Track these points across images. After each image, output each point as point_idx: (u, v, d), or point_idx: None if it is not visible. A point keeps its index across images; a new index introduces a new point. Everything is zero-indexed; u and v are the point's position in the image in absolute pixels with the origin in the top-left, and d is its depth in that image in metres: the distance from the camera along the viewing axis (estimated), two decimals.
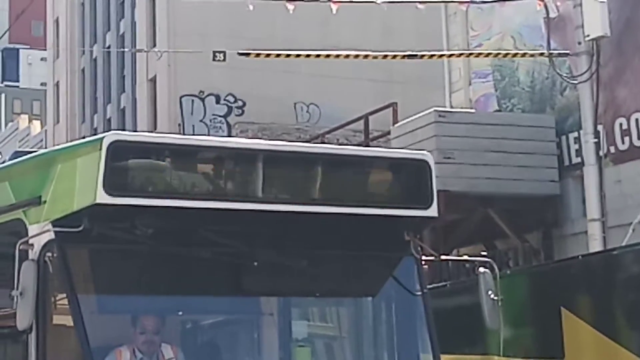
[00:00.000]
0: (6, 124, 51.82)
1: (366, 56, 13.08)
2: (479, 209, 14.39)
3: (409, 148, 12.86)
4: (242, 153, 5.81)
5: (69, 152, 5.93)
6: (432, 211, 6.15)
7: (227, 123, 28.24)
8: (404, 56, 12.94)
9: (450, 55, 15.30)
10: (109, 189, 5.46)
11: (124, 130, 28.52)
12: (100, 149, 5.48)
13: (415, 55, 12.86)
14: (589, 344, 8.09)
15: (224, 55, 13.83)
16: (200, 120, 28.09)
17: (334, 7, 12.10)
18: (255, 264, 5.97)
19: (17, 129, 42.82)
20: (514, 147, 14.18)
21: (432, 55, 13.68)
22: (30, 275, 5.49)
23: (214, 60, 14.12)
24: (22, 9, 35.38)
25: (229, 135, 26.23)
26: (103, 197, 5.44)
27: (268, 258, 5.96)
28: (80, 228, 5.53)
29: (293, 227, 5.90)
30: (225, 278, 6.05)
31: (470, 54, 15.01)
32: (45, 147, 33.53)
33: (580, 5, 12.47)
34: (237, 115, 28.31)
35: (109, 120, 32.98)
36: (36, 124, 41.69)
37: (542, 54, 13.45)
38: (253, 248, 5.89)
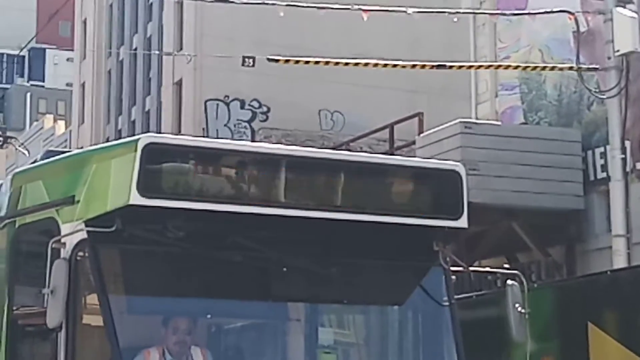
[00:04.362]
0: (31, 124, 52.12)
1: (395, 65, 13.07)
2: (502, 221, 14.35)
3: (434, 158, 12.82)
4: (278, 159, 5.83)
5: (103, 152, 5.98)
6: (463, 222, 6.16)
7: (251, 128, 28.29)
8: (432, 66, 12.92)
9: (480, 67, 15.27)
10: (143, 191, 5.50)
11: (148, 132, 28.56)
12: (136, 151, 5.53)
13: (444, 65, 12.83)
14: None
15: (254, 61, 13.87)
16: (225, 125, 28.16)
17: (364, 15, 12.11)
18: (285, 269, 6.00)
19: (41, 128, 43.06)
20: (540, 160, 14.14)
21: (461, 66, 13.66)
22: (62, 274, 5.54)
23: (243, 65, 14.16)
24: (50, 9, 35.59)
25: (253, 141, 26.28)
26: (137, 199, 5.49)
27: (297, 264, 5.98)
28: (113, 228, 5.57)
29: (323, 234, 5.93)
30: (253, 283, 6.07)
31: (499, 66, 14.98)
32: (70, 148, 33.71)
33: (611, 20, 12.43)
34: (261, 121, 28.36)
35: (134, 122, 33.12)
36: (61, 124, 41.88)
37: (571, 68, 13.41)
38: (283, 254, 5.92)
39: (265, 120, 28.36)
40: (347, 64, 12.84)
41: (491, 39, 16.68)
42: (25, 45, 47.21)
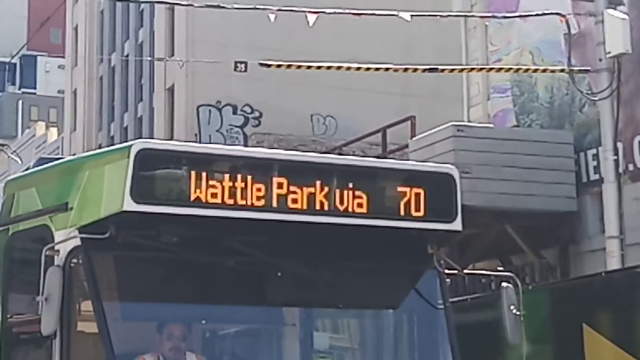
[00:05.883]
0: (23, 131, 52.06)
1: (387, 69, 13.08)
2: (495, 224, 14.36)
3: (427, 162, 12.86)
4: (271, 163, 5.83)
5: (96, 159, 5.97)
6: (457, 225, 6.17)
7: (244, 134, 28.30)
8: (424, 70, 12.92)
9: (471, 70, 15.28)
10: (136, 197, 5.49)
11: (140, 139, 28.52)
12: (128, 157, 5.52)
13: (436, 69, 12.83)
14: None
15: (246, 66, 13.86)
16: (217, 130, 28.16)
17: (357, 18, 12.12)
18: (279, 274, 5.99)
19: (33, 135, 43.02)
20: (532, 162, 14.16)
21: (452, 69, 13.66)
22: (56, 281, 5.52)
23: (235, 70, 14.15)
24: (42, 16, 35.55)
25: (245, 146, 26.26)
26: (130, 205, 5.48)
27: (292, 269, 5.98)
28: (107, 235, 5.56)
29: (317, 238, 5.92)
30: (248, 288, 6.06)
31: (491, 68, 14.99)
32: (62, 155, 33.67)
33: (602, 22, 12.45)
34: (253, 126, 28.37)
35: (126, 128, 33.09)
36: (53, 131, 41.86)
37: (562, 70, 13.43)
38: (277, 258, 5.92)
39: (257, 126, 28.37)
40: (339, 68, 12.84)
41: (482, 42, 16.71)
42: (17, 53, 47.16)
